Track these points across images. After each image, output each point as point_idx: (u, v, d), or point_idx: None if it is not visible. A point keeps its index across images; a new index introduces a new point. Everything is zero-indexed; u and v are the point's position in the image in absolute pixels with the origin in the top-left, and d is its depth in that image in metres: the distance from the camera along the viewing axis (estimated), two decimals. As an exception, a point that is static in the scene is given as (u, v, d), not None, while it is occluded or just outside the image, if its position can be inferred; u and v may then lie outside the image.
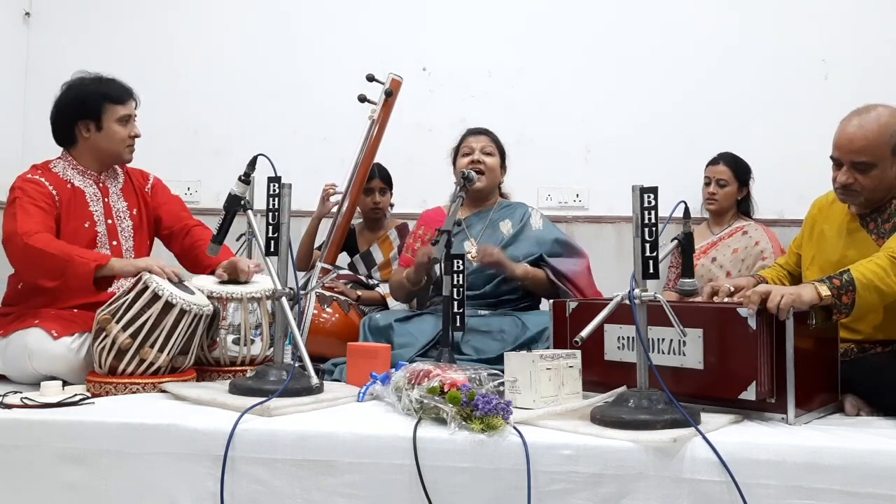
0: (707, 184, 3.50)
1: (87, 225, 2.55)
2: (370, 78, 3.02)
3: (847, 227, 2.28)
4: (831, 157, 2.22)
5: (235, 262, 2.56)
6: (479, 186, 2.86)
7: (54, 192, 2.51)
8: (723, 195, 3.46)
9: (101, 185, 2.63)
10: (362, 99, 3.03)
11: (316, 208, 3.37)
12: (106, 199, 2.62)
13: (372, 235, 3.45)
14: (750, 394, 1.87)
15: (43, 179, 2.51)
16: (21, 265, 2.44)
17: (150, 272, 2.31)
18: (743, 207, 3.53)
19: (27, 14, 4.15)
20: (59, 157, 2.62)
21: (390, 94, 3.02)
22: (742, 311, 1.91)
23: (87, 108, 2.55)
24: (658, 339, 2.01)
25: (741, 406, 1.92)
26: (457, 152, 3.01)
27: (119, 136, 2.58)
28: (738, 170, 3.48)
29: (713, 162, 3.51)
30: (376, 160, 3.27)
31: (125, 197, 2.68)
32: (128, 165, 2.77)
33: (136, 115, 2.65)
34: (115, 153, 2.61)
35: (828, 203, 2.39)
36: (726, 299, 2.23)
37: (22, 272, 2.46)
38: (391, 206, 3.49)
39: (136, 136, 2.64)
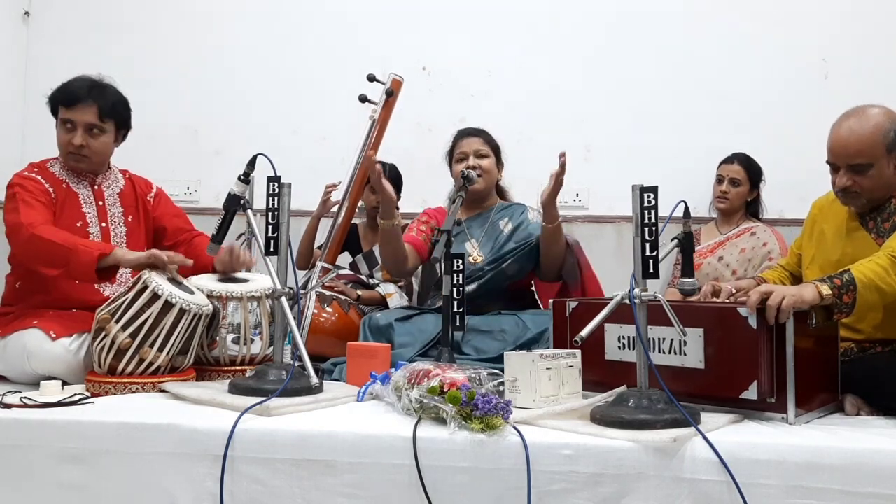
0: (719, 181, 3.50)
1: (79, 225, 2.54)
2: (371, 78, 3.02)
3: (847, 226, 2.29)
4: (827, 163, 2.22)
5: (231, 248, 2.53)
6: (478, 188, 2.87)
7: (50, 190, 2.51)
8: (735, 194, 3.46)
9: (95, 187, 2.62)
10: (363, 99, 3.03)
11: (316, 208, 3.37)
12: (100, 203, 2.61)
13: (375, 236, 3.44)
14: (752, 393, 1.87)
15: (39, 177, 2.51)
16: (25, 255, 2.43)
17: (154, 266, 2.31)
18: (752, 209, 3.53)
19: (27, 14, 4.15)
20: (56, 158, 2.62)
21: (391, 94, 3.01)
22: (742, 311, 1.91)
23: (52, 107, 2.56)
24: (659, 339, 2.01)
25: (742, 406, 1.92)
26: (451, 156, 3.01)
27: (59, 139, 2.54)
28: (752, 171, 3.48)
29: (728, 161, 3.51)
30: (384, 161, 3.27)
31: (122, 202, 2.67)
32: (126, 167, 2.77)
33: (91, 125, 2.51)
34: (62, 156, 2.58)
35: (828, 203, 2.39)
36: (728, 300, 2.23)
37: (26, 262, 2.45)
38: (397, 209, 3.48)
39: (76, 144, 2.49)
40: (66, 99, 2.51)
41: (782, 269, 2.54)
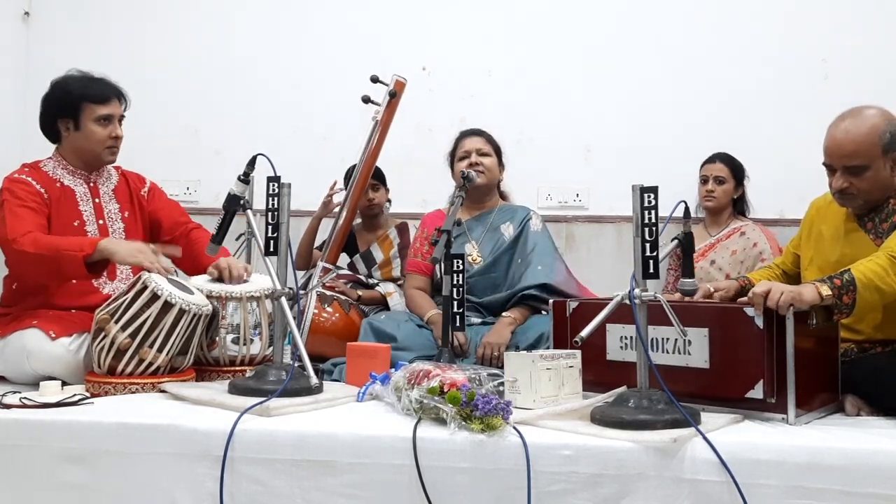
0: (704, 182, 3.50)
1: (76, 224, 2.54)
2: (374, 79, 3.02)
3: (845, 227, 2.28)
4: (824, 164, 2.22)
5: (222, 266, 2.53)
6: (479, 183, 2.87)
7: (42, 190, 2.49)
8: (721, 192, 3.47)
9: (91, 185, 2.62)
10: (366, 100, 3.02)
11: (317, 209, 3.37)
12: (96, 200, 2.61)
13: (371, 235, 3.45)
14: (757, 392, 1.88)
15: (30, 178, 2.50)
16: (19, 270, 2.44)
17: (146, 268, 2.31)
18: (738, 207, 3.54)
19: (26, 14, 4.15)
20: (50, 157, 2.62)
21: (394, 96, 3.01)
22: (749, 311, 1.91)
23: (66, 106, 2.54)
24: (663, 339, 2.01)
25: (747, 405, 1.92)
26: (453, 156, 3.01)
27: (97, 136, 2.54)
28: (735, 168, 3.49)
29: (710, 160, 3.52)
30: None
31: (118, 198, 2.67)
32: (125, 168, 2.76)
33: (121, 116, 2.60)
34: (93, 153, 2.57)
35: (825, 204, 2.39)
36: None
37: (23, 276, 2.46)
38: (388, 202, 3.48)
39: (117, 137, 2.58)
40: (98, 97, 2.54)
41: (775, 268, 2.54)
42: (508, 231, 2.91)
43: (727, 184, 3.47)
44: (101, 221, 2.60)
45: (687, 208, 2.01)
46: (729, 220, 3.50)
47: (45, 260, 2.32)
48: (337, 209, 3.15)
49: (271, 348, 2.37)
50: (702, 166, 3.54)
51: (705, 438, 1.70)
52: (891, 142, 2.14)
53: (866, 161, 2.14)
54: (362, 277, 3.34)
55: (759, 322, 1.89)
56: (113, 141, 2.58)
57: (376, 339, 2.59)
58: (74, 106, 2.53)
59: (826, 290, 1.93)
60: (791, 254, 2.51)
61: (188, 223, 2.78)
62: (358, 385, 2.20)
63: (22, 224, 2.38)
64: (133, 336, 2.22)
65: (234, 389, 2.09)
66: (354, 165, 3.31)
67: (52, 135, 2.61)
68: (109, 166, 2.71)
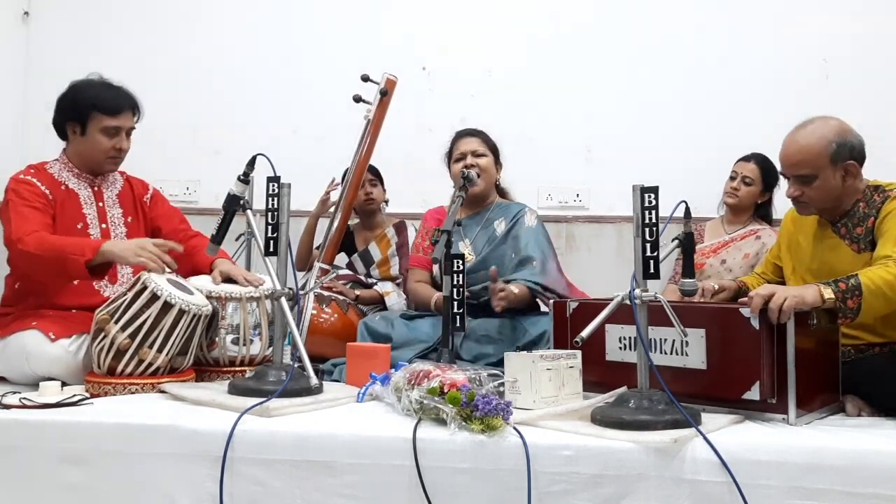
0: (732, 178, 3.47)
1: (79, 226, 2.54)
2: (364, 78, 3.02)
3: (820, 235, 2.30)
4: (780, 173, 2.27)
5: (230, 272, 2.55)
6: (477, 190, 2.87)
7: (47, 192, 2.50)
8: (745, 192, 3.43)
9: (95, 189, 2.63)
10: (357, 99, 3.03)
11: (314, 207, 3.37)
12: (100, 204, 2.61)
13: (369, 233, 3.46)
14: (753, 394, 1.87)
15: (35, 180, 2.50)
16: (25, 270, 2.44)
17: (149, 268, 2.31)
18: (761, 212, 3.49)
19: (26, 14, 4.14)
20: (56, 159, 2.62)
21: (385, 94, 3.01)
22: (745, 311, 1.91)
23: (75, 111, 2.54)
24: (660, 340, 2.01)
25: (744, 406, 1.92)
26: (450, 156, 3.01)
27: (100, 146, 2.55)
28: (767, 173, 3.43)
29: (745, 159, 3.48)
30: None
31: (121, 204, 2.67)
32: (127, 168, 2.76)
33: (130, 129, 2.60)
34: (94, 161, 2.58)
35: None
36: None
37: (29, 275, 2.46)
38: (386, 202, 3.49)
39: (121, 149, 2.58)
40: (109, 108, 2.53)
41: (758, 277, 2.54)
42: (500, 228, 2.91)
43: (753, 186, 3.42)
44: (104, 225, 2.60)
45: (687, 208, 2.01)
46: (748, 223, 3.47)
47: (48, 261, 2.32)
48: (332, 208, 3.15)
49: (271, 349, 2.37)
50: (736, 162, 3.50)
51: (706, 439, 1.70)
52: (838, 151, 2.17)
53: (813, 171, 2.18)
54: (361, 277, 3.35)
55: (755, 323, 1.89)
56: (116, 152, 2.58)
57: (372, 341, 2.60)
58: (84, 112, 2.53)
59: (829, 294, 1.94)
60: (771, 263, 2.53)
61: (188, 230, 2.79)
62: (358, 385, 2.20)
63: (27, 224, 2.39)
64: (133, 336, 2.22)
65: (234, 390, 2.09)
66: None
67: (61, 134, 2.62)
68: (102, 172, 2.71)
